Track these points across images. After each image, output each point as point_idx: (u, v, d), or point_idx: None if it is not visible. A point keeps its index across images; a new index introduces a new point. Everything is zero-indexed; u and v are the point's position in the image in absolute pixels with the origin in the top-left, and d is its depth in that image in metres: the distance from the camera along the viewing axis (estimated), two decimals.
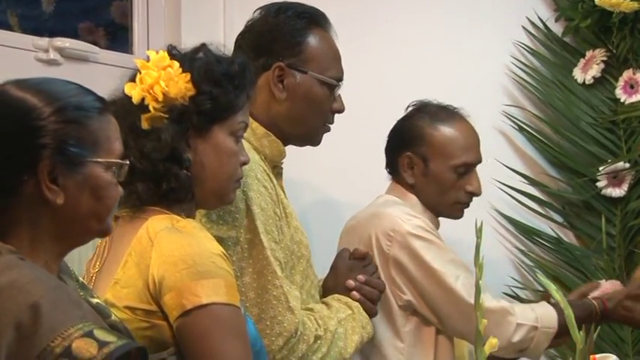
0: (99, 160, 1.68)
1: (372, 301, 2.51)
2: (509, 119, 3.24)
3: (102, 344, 1.52)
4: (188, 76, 2.11)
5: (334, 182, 3.22)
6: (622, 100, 3.09)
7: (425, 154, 2.63)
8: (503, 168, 3.20)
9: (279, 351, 2.19)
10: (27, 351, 1.51)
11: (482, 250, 2.15)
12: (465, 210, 2.82)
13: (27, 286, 1.57)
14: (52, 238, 1.70)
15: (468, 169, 2.64)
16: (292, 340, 2.20)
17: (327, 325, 2.29)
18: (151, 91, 2.10)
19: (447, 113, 2.71)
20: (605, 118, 3.13)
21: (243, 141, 2.43)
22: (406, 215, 2.61)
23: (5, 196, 1.67)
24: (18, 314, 1.52)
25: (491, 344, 2.26)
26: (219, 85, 2.15)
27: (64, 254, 1.77)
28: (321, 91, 2.52)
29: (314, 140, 2.59)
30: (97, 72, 3.16)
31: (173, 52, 2.19)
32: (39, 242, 1.69)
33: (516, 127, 3.24)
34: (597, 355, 2.56)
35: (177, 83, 2.13)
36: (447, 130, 2.65)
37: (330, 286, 2.52)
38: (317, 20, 2.56)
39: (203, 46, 2.25)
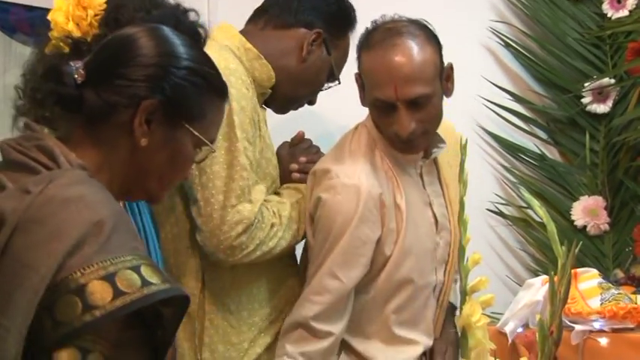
0: (194, 132, 1.67)
1: None
2: (496, 35, 3.24)
3: (145, 283, 1.51)
4: (99, 14, 2.04)
5: None
6: (609, 15, 3.09)
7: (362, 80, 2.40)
8: (489, 84, 3.21)
9: (238, 237, 2.29)
10: (85, 260, 1.49)
11: (466, 167, 2.21)
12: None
13: (95, 203, 1.56)
14: (119, 173, 1.70)
15: (386, 105, 2.27)
16: (251, 228, 2.29)
17: (280, 211, 2.40)
18: (52, 17, 2.07)
19: (380, 37, 2.34)
20: (592, 34, 3.14)
21: (236, 59, 2.52)
22: (343, 171, 2.33)
23: (101, 114, 1.66)
24: (82, 228, 1.51)
25: (474, 259, 2.32)
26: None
27: (130, 195, 1.77)
28: (327, 72, 2.64)
29: (288, 108, 2.69)
30: None
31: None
32: (107, 171, 1.69)
33: (502, 43, 3.24)
34: (579, 270, 2.63)
35: (77, 12, 2.07)
36: (368, 59, 2.32)
37: (280, 179, 2.58)
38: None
39: None
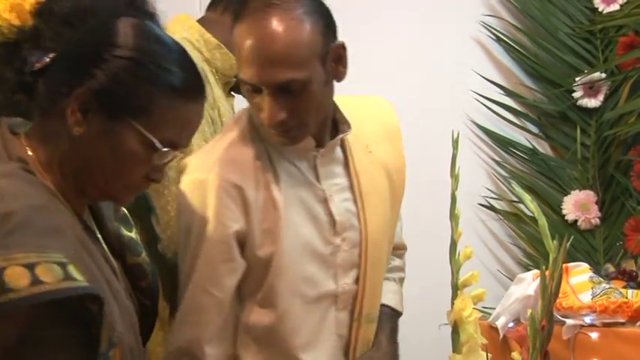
0: (137, 126, 1.59)
1: None
2: (487, 29, 3.25)
3: (67, 277, 1.48)
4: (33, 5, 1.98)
5: None
6: (600, 9, 3.11)
7: None
8: (480, 78, 3.22)
9: None
10: None
11: (457, 161, 2.22)
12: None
13: (9, 196, 1.53)
14: (67, 168, 1.66)
15: (253, 88, 1.91)
16: None
17: None
18: None
19: (252, 8, 1.93)
20: (583, 28, 3.15)
21: (195, 52, 2.41)
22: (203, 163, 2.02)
23: (47, 104, 1.62)
24: None
25: (466, 254, 2.32)
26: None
27: (87, 194, 1.69)
28: None
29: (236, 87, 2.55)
30: None
31: None
32: (56, 165, 1.65)
33: (494, 37, 3.25)
34: (570, 264, 2.64)
35: (19, 6, 2.07)
36: (237, 32, 1.93)
37: None
38: None
39: None
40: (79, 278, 1.49)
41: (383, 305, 2.15)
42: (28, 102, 1.67)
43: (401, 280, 2.28)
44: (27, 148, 1.65)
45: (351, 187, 2.04)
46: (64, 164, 1.63)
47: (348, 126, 2.02)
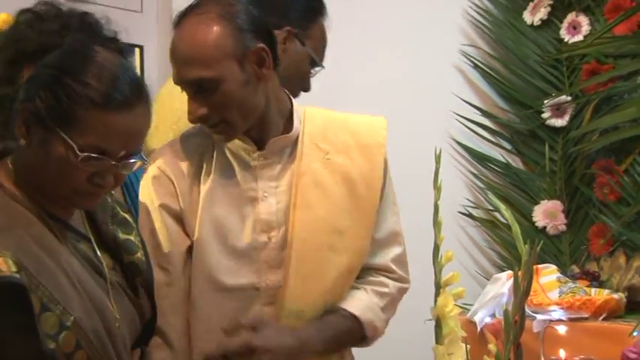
0: (62, 134, 1.59)
1: None
2: (466, 57, 3.25)
3: None
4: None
5: None
6: (566, 40, 3.11)
7: None
8: (459, 101, 3.21)
9: None
10: None
11: (440, 174, 2.19)
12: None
13: None
14: (27, 176, 1.67)
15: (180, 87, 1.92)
16: None
17: None
18: None
19: (181, 12, 1.95)
20: (551, 56, 3.14)
21: None
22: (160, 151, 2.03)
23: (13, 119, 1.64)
24: None
25: (447, 257, 2.29)
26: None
27: (50, 200, 1.67)
28: (307, 61, 2.49)
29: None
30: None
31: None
32: (21, 173, 1.66)
33: (472, 64, 3.25)
34: (539, 265, 2.64)
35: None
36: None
37: None
38: None
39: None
40: (11, 269, 1.51)
41: (341, 308, 1.98)
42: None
43: (377, 293, 2.03)
44: (9, 162, 1.67)
45: (290, 189, 1.96)
46: (25, 175, 1.65)
47: (295, 131, 1.96)
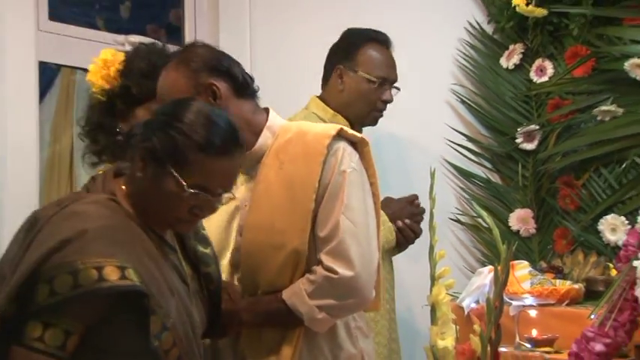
0: (174, 174, 1.58)
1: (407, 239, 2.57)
2: (455, 95, 3.24)
3: (123, 277, 1.48)
4: (119, 68, 2.07)
5: None
6: (534, 80, 3.08)
7: None
8: (450, 129, 3.20)
9: None
10: (61, 259, 1.48)
11: (435, 187, 2.22)
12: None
13: (89, 217, 1.55)
14: (139, 200, 1.64)
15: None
16: None
17: None
18: (89, 78, 2.13)
19: None
20: (522, 93, 3.12)
21: (319, 120, 2.49)
22: None
23: (133, 156, 1.64)
24: (68, 232, 1.51)
25: (440, 254, 2.31)
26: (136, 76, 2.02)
27: (162, 225, 1.65)
28: (367, 84, 2.61)
29: (366, 124, 2.65)
30: None
31: (130, 52, 2.12)
32: (133, 196, 1.64)
33: (460, 100, 3.24)
34: (514, 261, 2.63)
35: (103, 72, 2.10)
36: None
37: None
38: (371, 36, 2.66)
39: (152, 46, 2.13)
40: (134, 279, 1.50)
41: (277, 292, 1.85)
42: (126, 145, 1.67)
43: (307, 280, 1.84)
44: (122, 184, 1.66)
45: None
46: (138, 198, 1.64)
47: (259, 147, 1.90)
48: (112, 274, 1.48)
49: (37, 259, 1.49)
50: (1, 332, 1.49)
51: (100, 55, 2.16)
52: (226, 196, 1.65)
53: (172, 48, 3.19)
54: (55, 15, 2.89)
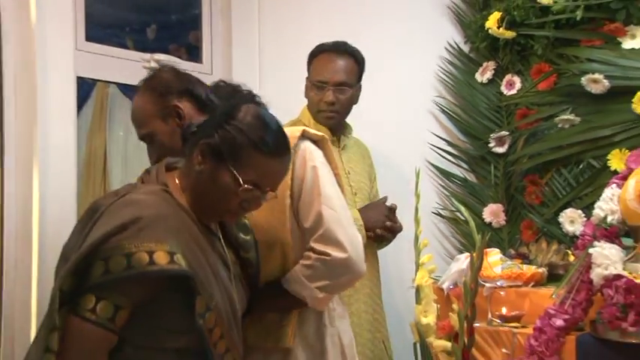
0: (231, 168, 1.56)
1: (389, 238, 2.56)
2: (437, 105, 3.25)
3: (172, 261, 1.46)
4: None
5: None
6: (505, 93, 3.09)
7: None
8: (432, 136, 3.21)
9: None
10: (117, 242, 1.46)
11: (419, 185, 2.24)
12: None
13: (144, 205, 1.52)
14: (194, 192, 1.61)
15: None
16: None
17: None
18: None
19: None
20: (494, 104, 3.13)
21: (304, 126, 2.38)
22: None
23: (191, 149, 1.61)
24: (125, 218, 1.49)
25: (424, 243, 2.32)
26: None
27: (212, 217, 1.62)
28: (312, 92, 2.58)
29: (321, 124, 2.59)
30: None
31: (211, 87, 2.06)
32: (185, 188, 1.62)
33: (441, 110, 3.25)
34: (487, 249, 2.64)
35: None
36: None
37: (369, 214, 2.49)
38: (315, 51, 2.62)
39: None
40: (182, 263, 1.47)
41: (278, 281, 1.85)
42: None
43: (303, 266, 1.83)
44: (175, 178, 1.64)
45: None
46: (192, 190, 1.61)
47: None
48: (161, 258, 1.46)
49: (96, 240, 1.48)
50: (61, 303, 1.48)
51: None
52: (271, 194, 1.63)
53: (192, 66, 3.23)
54: (90, 36, 2.89)
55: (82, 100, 2.99)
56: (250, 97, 1.78)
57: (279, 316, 1.86)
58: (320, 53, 2.62)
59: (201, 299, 1.52)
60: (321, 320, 1.92)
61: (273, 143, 1.60)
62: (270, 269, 1.85)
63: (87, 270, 1.48)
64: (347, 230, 1.82)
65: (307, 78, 2.63)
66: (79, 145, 2.80)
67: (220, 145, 1.58)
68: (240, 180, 1.57)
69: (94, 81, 3.11)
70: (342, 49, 2.60)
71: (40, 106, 2.54)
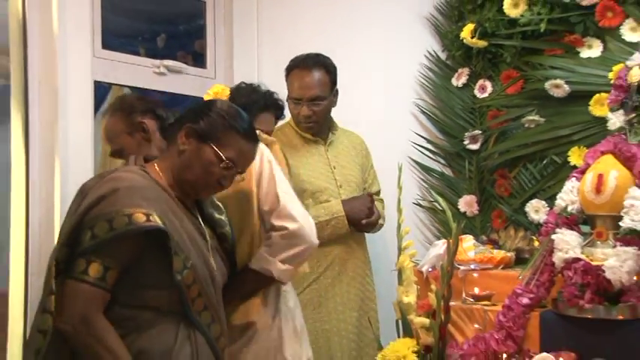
0: (214, 148, 1.63)
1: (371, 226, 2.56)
2: (418, 107, 3.24)
3: (148, 220, 1.49)
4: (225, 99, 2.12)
5: None
6: (478, 96, 3.09)
7: None
8: (413, 134, 3.21)
9: None
10: (99, 211, 1.50)
11: (401, 179, 2.25)
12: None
13: (121, 179, 1.57)
14: (175, 171, 1.66)
15: None
16: None
17: None
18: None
19: None
20: (468, 106, 3.13)
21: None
22: None
23: (173, 134, 1.68)
24: (105, 190, 1.53)
25: (405, 231, 2.34)
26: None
27: (185, 190, 1.67)
28: (292, 106, 2.58)
29: (304, 132, 2.61)
30: (186, 79, 3.19)
31: (233, 88, 2.19)
32: (164, 170, 1.67)
33: (421, 111, 3.24)
34: (462, 236, 2.59)
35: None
36: None
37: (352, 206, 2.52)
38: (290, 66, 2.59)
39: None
40: (158, 222, 1.51)
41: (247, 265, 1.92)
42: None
43: (265, 245, 1.91)
44: (155, 164, 1.69)
45: None
46: (173, 169, 1.67)
47: None
48: (139, 218, 1.50)
49: (81, 212, 1.53)
50: (57, 271, 1.53)
51: (212, 88, 2.22)
52: (239, 176, 1.71)
53: (197, 72, 3.24)
54: (106, 44, 2.89)
55: (98, 102, 2.98)
56: (269, 95, 1.90)
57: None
58: (292, 69, 2.58)
59: (178, 258, 1.55)
60: (278, 297, 1.96)
61: (249, 128, 1.69)
62: (240, 254, 1.89)
63: (77, 239, 1.52)
64: (298, 206, 1.90)
65: (288, 93, 2.62)
66: (95, 142, 2.81)
67: (204, 128, 1.64)
68: (223, 156, 1.63)
69: (110, 85, 3.11)
70: (311, 62, 2.56)
71: (60, 107, 2.57)
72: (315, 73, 2.55)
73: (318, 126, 2.60)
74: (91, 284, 1.50)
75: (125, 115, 2.00)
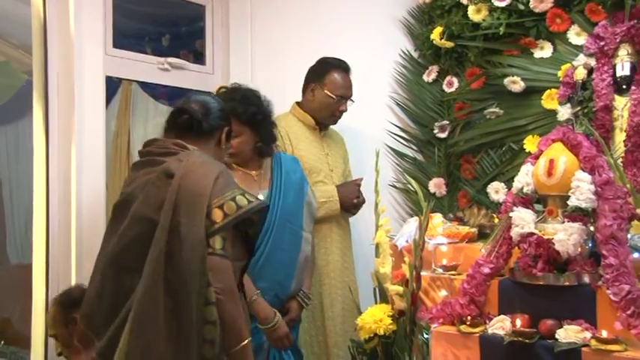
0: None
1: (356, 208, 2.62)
2: (393, 99, 3.25)
3: (249, 201, 1.55)
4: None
5: None
6: (446, 91, 3.10)
7: None
8: (389, 124, 3.21)
9: None
10: (220, 192, 1.54)
11: (379, 163, 2.27)
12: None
13: (214, 165, 1.61)
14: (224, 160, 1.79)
15: None
16: None
17: None
18: None
19: None
20: (438, 99, 3.14)
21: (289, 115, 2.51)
22: None
23: (209, 133, 1.74)
24: (215, 175, 1.56)
25: (382, 209, 2.35)
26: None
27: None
28: (328, 98, 2.63)
29: (328, 123, 2.68)
30: (188, 74, 3.18)
31: (228, 87, 2.23)
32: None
33: (396, 103, 3.25)
34: (432, 214, 2.58)
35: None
36: None
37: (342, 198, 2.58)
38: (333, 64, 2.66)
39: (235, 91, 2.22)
40: (253, 200, 1.58)
41: None
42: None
43: None
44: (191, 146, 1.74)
45: None
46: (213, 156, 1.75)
47: None
48: (249, 198, 1.57)
49: (208, 196, 1.52)
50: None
51: (215, 89, 2.29)
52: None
53: (197, 68, 3.22)
54: (117, 44, 2.88)
55: (110, 95, 2.98)
56: (250, 91, 2.11)
57: None
58: (335, 69, 2.65)
59: (255, 231, 1.64)
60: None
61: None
62: None
63: (208, 220, 1.52)
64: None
65: (318, 84, 2.66)
66: (107, 131, 2.82)
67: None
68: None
69: (120, 80, 3.10)
70: (347, 67, 2.71)
71: (77, 100, 2.58)
72: (349, 75, 2.72)
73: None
74: (228, 259, 1.54)
75: (64, 308, 2.09)
